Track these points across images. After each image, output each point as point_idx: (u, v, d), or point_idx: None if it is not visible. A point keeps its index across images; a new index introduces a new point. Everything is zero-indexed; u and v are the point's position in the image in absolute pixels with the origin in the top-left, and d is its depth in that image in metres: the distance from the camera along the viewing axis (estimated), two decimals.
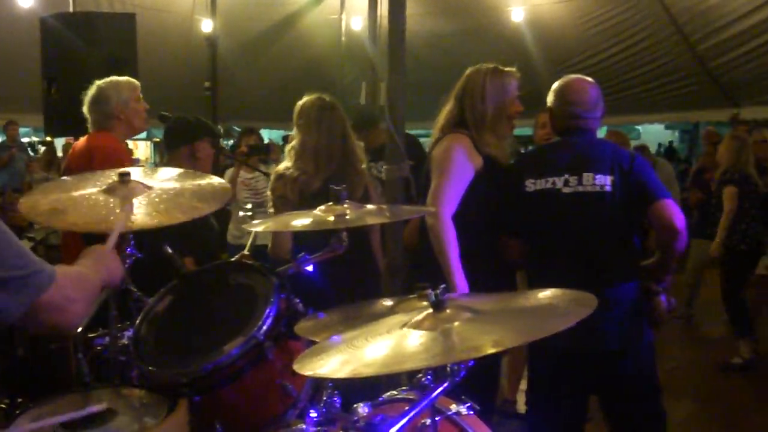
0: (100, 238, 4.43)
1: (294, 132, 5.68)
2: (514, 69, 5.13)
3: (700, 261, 11.13)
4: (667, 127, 41.33)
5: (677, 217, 4.54)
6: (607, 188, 4.61)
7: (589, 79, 4.97)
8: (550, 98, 4.95)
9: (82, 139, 6.26)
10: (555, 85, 4.97)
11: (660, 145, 38.05)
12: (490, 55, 16.36)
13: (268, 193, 5.60)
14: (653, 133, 39.99)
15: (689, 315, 11.69)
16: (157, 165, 5.87)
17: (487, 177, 4.93)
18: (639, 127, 34.18)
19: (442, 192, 4.80)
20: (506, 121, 5.07)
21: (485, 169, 4.94)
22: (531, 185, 4.77)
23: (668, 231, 4.57)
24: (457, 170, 4.89)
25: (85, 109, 6.11)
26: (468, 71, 5.15)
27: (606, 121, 19.96)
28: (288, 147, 5.71)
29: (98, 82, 6.13)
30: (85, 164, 5.74)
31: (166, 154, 5.77)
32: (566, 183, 4.68)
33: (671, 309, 4.90)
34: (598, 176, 4.63)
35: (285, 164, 5.55)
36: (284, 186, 5.37)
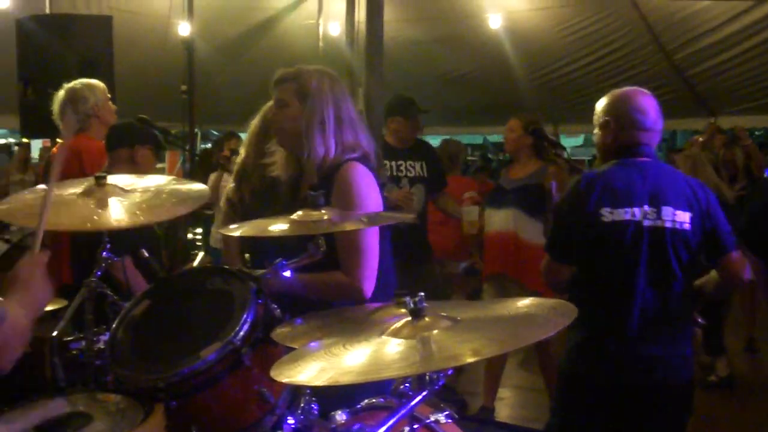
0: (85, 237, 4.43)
1: None
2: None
3: None
4: None
5: (745, 269, 4.48)
6: (687, 226, 4.42)
7: (647, 90, 4.75)
8: (608, 110, 4.68)
9: (64, 142, 6.25)
10: (612, 97, 4.72)
11: None
12: (468, 62, 16.39)
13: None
14: None
15: None
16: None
17: None
18: None
19: None
20: None
21: None
22: (608, 215, 4.44)
23: (735, 283, 4.56)
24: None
25: (57, 111, 6.13)
26: None
27: (582, 129, 19.97)
28: None
29: (68, 85, 6.19)
30: (74, 167, 5.78)
31: (108, 156, 5.67)
32: (646, 215, 4.43)
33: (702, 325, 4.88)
34: (677, 212, 4.43)
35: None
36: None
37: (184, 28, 12.60)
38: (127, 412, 3.04)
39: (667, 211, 4.41)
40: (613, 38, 15.47)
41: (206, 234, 10.19)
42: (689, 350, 4.57)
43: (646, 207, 4.42)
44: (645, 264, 4.44)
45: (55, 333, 3.63)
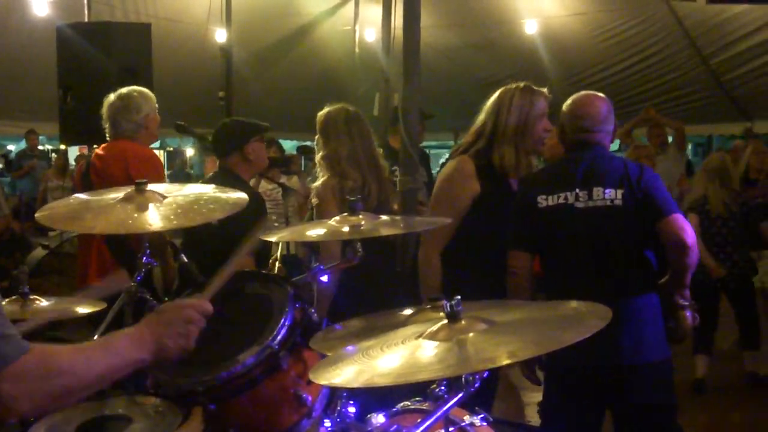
0: (121, 243, 4.49)
1: (319, 142, 5.76)
2: (545, 89, 5.24)
3: None
4: None
5: (687, 232, 4.50)
6: (618, 202, 4.59)
7: (600, 94, 4.97)
8: (560, 114, 4.97)
9: (107, 145, 6.31)
10: (566, 102, 4.96)
11: None
12: (503, 68, 16.45)
13: (313, 201, 5.66)
14: None
15: None
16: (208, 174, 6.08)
17: (495, 196, 5.11)
18: None
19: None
20: (531, 137, 5.14)
21: (491, 188, 5.09)
22: (543, 201, 4.74)
23: (677, 247, 4.52)
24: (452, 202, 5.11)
25: (107, 119, 6.18)
26: (499, 90, 5.26)
27: (617, 134, 19.89)
28: (318, 157, 5.78)
29: (122, 92, 6.22)
30: (119, 169, 5.86)
31: (219, 161, 5.98)
32: (577, 198, 4.66)
33: (695, 324, 4.86)
34: (607, 190, 4.61)
35: (323, 177, 5.62)
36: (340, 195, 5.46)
37: (221, 35, 12.66)
38: (166, 415, 3.07)
39: (598, 191, 4.63)
40: (649, 43, 15.44)
41: None
42: (648, 329, 4.65)
43: (577, 190, 4.67)
44: (584, 244, 4.69)
45: (95, 337, 3.67)
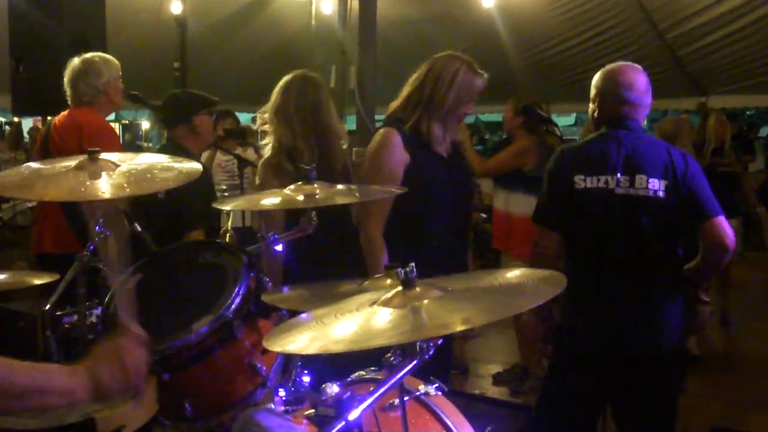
0: (79, 213, 4.44)
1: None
2: (485, 74, 5.06)
3: None
4: None
5: (729, 236, 4.45)
6: (660, 194, 4.46)
7: (638, 66, 4.78)
8: (597, 84, 4.76)
9: (64, 115, 6.29)
10: (601, 72, 4.78)
11: None
12: (461, 41, 16.38)
13: (257, 181, 5.54)
14: None
15: None
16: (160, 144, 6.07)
17: (424, 165, 4.99)
18: None
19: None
20: (455, 116, 5.04)
21: (421, 157, 4.97)
22: (581, 182, 4.59)
23: (719, 250, 4.48)
24: (386, 174, 4.93)
25: (68, 82, 6.16)
26: (441, 55, 5.07)
27: (574, 108, 19.79)
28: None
29: (86, 56, 6.23)
30: (74, 140, 5.84)
31: (167, 133, 6.05)
32: (618, 183, 4.51)
33: (709, 321, 4.84)
34: (651, 179, 4.47)
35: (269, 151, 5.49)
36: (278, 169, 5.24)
37: (176, 6, 12.56)
38: None
39: (641, 179, 4.49)
40: (605, 17, 15.43)
41: None
42: (671, 321, 4.59)
43: (618, 175, 4.52)
44: (618, 231, 4.54)
45: (47, 307, 3.64)
